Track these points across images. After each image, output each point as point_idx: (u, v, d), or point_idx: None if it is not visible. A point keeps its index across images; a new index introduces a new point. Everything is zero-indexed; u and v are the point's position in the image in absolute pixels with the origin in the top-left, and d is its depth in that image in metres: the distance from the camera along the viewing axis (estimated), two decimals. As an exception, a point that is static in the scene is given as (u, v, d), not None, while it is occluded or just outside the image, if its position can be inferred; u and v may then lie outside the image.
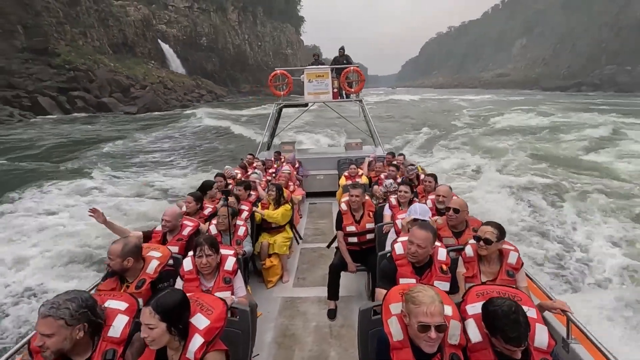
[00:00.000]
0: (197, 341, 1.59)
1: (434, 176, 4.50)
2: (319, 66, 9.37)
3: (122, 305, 1.73)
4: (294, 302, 3.89)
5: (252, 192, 4.90)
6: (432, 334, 1.49)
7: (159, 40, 59.74)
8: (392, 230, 3.31)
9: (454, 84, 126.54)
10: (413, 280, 2.33)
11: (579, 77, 65.88)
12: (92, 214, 3.12)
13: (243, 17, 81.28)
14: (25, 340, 1.84)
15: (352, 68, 8.96)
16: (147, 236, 3.27)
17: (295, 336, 3.33)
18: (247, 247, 3.66)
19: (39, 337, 1.48)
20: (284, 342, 3.26)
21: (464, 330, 1.68)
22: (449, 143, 17.71)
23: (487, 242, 2.34)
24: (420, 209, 2.98)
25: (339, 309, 3.66)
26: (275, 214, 4.34)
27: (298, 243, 5.29)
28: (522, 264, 2.43)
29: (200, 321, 1.66)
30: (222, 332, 1.73)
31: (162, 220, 3.21)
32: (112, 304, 1.72)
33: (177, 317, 1.58)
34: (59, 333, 1.46)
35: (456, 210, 2.96)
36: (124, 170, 13.68)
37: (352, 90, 9.01)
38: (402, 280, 2.35)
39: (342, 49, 9.82)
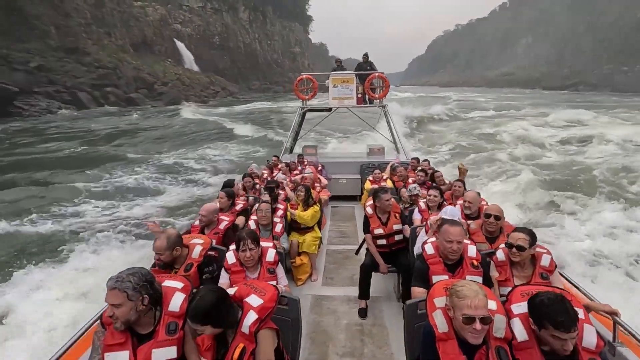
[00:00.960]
0: (251, 317, 1.73)
1: (463, 182, 4.49)
2: (344, 72, 9.38)
3: (178, 284, 1.87)
4: (323, 300, 3.96)
5: (280, 192, 4.99)
6: (477, 325, 1.53)
7: (175, 39, 62.89)
8: (423, 231, 3.29)
9: (460, 82, 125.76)
10: (446, 277, 2.34)
11: (579, 77, 67.13)
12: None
13: (253, 16, 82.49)
14: (98, 313, 1.95)
15: (377, 74, 8.94)
16: (187, 232, 3.43)
17: (327, 332, 3.39)
18: (285, 244, 3.83)
19: (109, 308, 1.66)
20: (317, 337, 3.33)
21: (510, 329, 1.69)
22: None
23: (520, 249, 2.32)
24: (451, 211, 2.99)
25: (369, 308, 3.70)
26: (306, 215, 4.41)
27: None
28: (556, 266, 2.41)
29: (254, 301, 1.79)
30: (274, 313, 1.84)
31: (199, 215, 3.44)
32: (169, 283, 1.86)
33: (216, 316, 1.66)
34: (125, 304, 1.63)
35: (497, 218, 2.94)
36: (183, 148, 17.21)
37: (377, 96, 8.98)
38: (435, 278, 2.36)
39: (365, 55, 9.78)
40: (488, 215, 2.98)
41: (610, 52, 64.48)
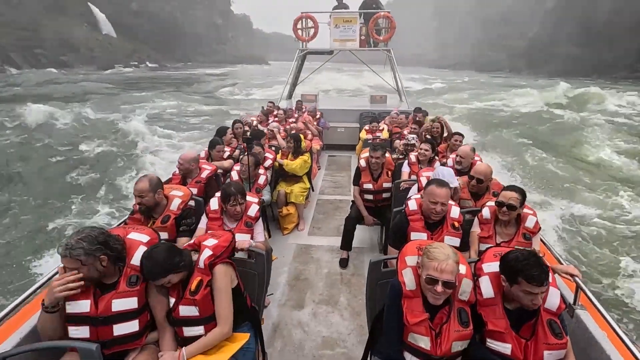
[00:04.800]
0: (206, 253, 1.86)
1: (462, 135, 4.39)
2: (347, 10, 8.58)
3: (144, 237, 1.90)
4: (307, 249, 4.06)
5: (273, 144, 4.96)
6: (439, 288, 1.57)
7: (89, 3, 60.32)
8: (415, 187, 3.21)
9: (374, 61, 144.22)
10: (424, 235, 2.39)
11: (462, 59, 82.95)
12: None
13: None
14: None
15: (382, 14, 8.21)
16: (168, 180, 3.46)
17: (307, 280, 3.50)
18: (266, 196, 3.88)
19: (67, 270, 1.65)
20: (297, 284, 3.44)
21: (477, 286, 1.75)
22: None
23: (512, 208, 2.32)
24: (448, 174, 2.86)
25: (350, 258, 3.80)
26: (294, 165, 4.32)
27: (313, 190, 5.17)
28: (540, 228, 2.43)
29: (209, 242, 1.93)
30: (229, 253, 1.95)
31: (178, 163, 3.41)
32: (134, 236, 1.90)
33: (172, 264, 1.75)
34: (81, 267, 1.62)
35: (480, 181, 2.89)
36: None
37: (381, 38, 8.27)
38: (413, 235, 2.40)
39: None
40: (471, 177, 2.95)
41: (490, 38, 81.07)
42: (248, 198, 2.71)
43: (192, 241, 2.02)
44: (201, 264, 1.85)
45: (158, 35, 69.07)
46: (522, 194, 2.37)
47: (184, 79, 35.46)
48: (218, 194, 2.71)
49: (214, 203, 2.70)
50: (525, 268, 1.56)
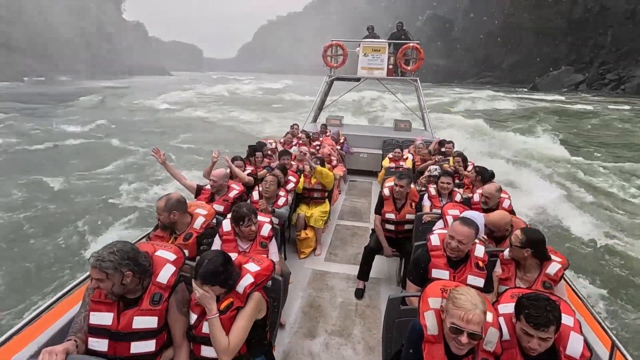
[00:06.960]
0: (248, 279, 1.82)
1: (481, 170, 4.13)
2: (376, 40, 8.81)
3: (171, 256, 1.90)
4: (323, 276, 3.96)
5: (292, 162, 5.00)
6: (463, 339, 1.46)
7: None
8: (440, 222, 3.07)
9: (281, 70, 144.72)
10: (446, 273, 2.29)
11: None
12: (154, 153, 3.49)
13: (54, -12, 74.83)
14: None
15: (411, 45, 8.42)
16: (199, 190, 3.55)
17: (321, 308, 3.41)
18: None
19: (93, 281, 1.68)
20: (310, 312, 3.34)
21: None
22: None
23: (512, 246, 2.27)
24: (480, 221, 2.68)
25: (366, 289, 3.68)
26: (328, 172, 4.36)
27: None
28: (562, 276, 2.25)
29: (252, 267, 1.90)
30: (267, 282, 1.95)
31: (210, 180, 3.49)
32: (162, 253, 1.89)
33: (225, 277, 1.75)
34: (106, 280, 1.65)
35: (491, 231, 2.84)
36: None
37: (409, 68, 8.47)
38: (434, 272, 2.29)
39: (400, 23, 9.17)
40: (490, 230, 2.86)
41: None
42: (259, 218, 2.72)
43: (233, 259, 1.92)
44: (240, 289, 1.81)
45: (37, 46, 61.82)
46: (527, 234, 2.25)
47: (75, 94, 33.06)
48: (229, 215, 2.69)
49: (227, 225, 2.68)
50: (528, 307, 1.52)
